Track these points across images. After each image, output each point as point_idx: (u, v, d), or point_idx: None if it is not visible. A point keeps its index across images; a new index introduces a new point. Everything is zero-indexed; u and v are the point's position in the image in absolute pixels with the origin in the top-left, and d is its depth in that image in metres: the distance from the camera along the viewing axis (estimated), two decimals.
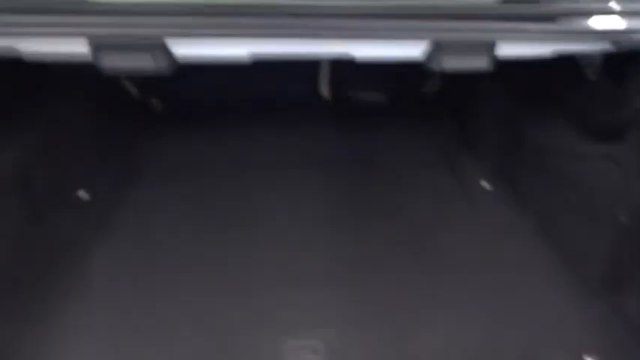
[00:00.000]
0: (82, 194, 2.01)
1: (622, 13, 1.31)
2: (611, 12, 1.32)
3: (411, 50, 1.32)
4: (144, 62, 1.26)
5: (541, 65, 1.58)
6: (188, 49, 1.28)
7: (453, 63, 1.32)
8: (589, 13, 1.32)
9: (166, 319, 1.51)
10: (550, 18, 1.33)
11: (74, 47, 1.23)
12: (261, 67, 2.37)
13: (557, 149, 1.78)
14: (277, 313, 1.53)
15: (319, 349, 1.42)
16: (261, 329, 1.48)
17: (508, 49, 1.33)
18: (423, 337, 1.48)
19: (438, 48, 1.30)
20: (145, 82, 2.43)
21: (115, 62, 1.25)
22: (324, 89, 2.57)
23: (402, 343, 1.45)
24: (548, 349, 1.46)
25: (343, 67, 2.41)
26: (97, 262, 1.71)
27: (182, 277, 1.66)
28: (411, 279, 1.68)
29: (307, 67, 2.50)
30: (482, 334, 1.49)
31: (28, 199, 1.69)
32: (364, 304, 1.58)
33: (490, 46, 1.32)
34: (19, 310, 1.48)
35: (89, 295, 1.58)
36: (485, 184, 2.15)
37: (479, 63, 1.33)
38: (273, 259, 1.75)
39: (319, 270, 1.70)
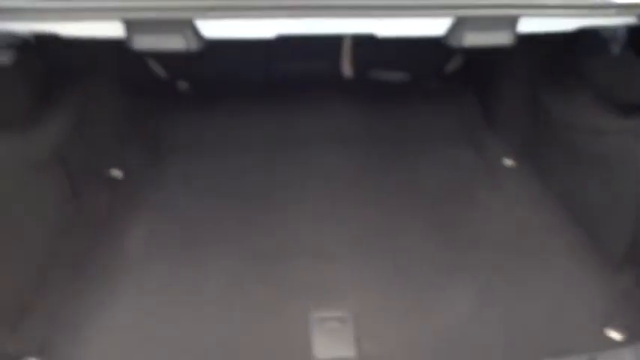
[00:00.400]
0: (115, 172, 2.10)
1: None
2: None
3: (433, 27, 1.34)
4: (174, 43, 1.31)
5: (565, 39, 1.57)
6: (216, 29, 1.33)
7: (475, 39, 1.33)
8: None
9: (195, 286, 1.59)
10: None
11: (110, 30, 1.29)
12: (284, 47, 2.40)
13: (581, 124, 1.78)
14: (303, 284, 1.59)
15: (346, 320, 1.48)
16: (288, 300, 1.54)
17: (530, 25, 1.34)
18: (447, 309, 1.52)
19: (460, 24, 1.31)
20: (172, 63, 2.49)
21: (146, 43, 1.31)
22: (346, 68, 2.59)
23: (427, 315, 1.50)
24: (571, 321, 1.49)
25: (365, 45, 2.43)
26: (131, 235, 1.79)
27: (210, 248, 1.74)
28: (435, 252, 1.72)
29: (330, 46, 2.51)
30: (505, 307, 1.53)
31: (65, 176, 1.78)
32: (388, 276, 1.63)
33: (512, 22, 1.33)
34: (59, 279, 1.58)
35: (123, 265, 1.67)
36: (507, 160, 2.16)
37: (501, 38, 1.34)
38: (298, 231, 1.81)
39: (343, 243, 1.75)
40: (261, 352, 1.39)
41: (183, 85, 2.62)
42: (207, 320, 1.49)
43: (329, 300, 1.53)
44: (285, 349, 1.40)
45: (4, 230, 1.43)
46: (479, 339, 1.43)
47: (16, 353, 1.35)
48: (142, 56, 2.42)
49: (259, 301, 1.54)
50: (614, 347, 1.38)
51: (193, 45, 1.32)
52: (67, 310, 1.50)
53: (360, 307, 1.51)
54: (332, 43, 2.49)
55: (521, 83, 2.17)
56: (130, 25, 1.29)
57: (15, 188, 1.49)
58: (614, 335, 1.44)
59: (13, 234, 1.47)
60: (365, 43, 2.36)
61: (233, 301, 1.55)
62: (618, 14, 1.35)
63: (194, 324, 1.48)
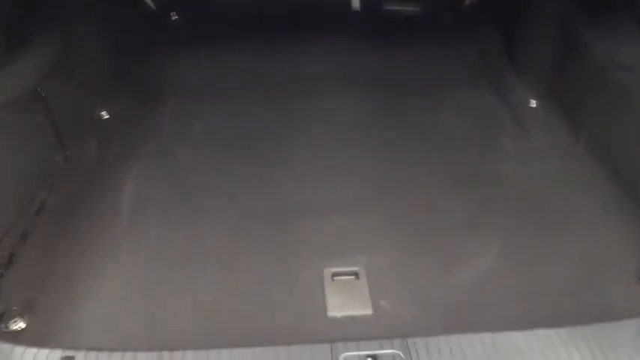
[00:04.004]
0: (104, 117, 1.92)
1: None
2: None
3: None
4: None
5: None
6: None
7: None
8: None
9: (194, 244, 1.46)
10: None
11: None
12: None
13: (626, 63, 1.59)
14: (313, 241, 1.46)
15: (359, 275, 1.36)
16: (296, 258, 1.41)
17: None
18: (466, 266, 1.40)
19: None
20: None
21: None
22: (355, 0, 2.36)
23: (441, 273, 1.38)
24: (602, 281, 1.35)
25: None
26: (123, 187, 1.65)
27: (211, 202, 1.59)
28: (454, 206, 1.58)
29: None
30: (528, 265, 1.40)
31: (48, 121, 1.60)
32: (404, 231, 1.50)
33: None
34: (45, 234, 1.43)
35: (115, 220, 1.53)
36: (534, 104, 1.99)
37: None
38: (306, 185, 1.66)
39: (356, 197, 1.62)
40: (270, 313, 1.27)
41: (176, 18, 2.40)
42: (209, 280, 1.35)
43: (341, 258, 1.40)
44: (296, 309, 1.28)
45: None
46: (500, 298, 1.31)
47: None
48: None
49: (265, 260, 1.41)
50: None
51: None
52: (55, 268, 1.36)
53: (376, 263, 1.39)
54: None
55: (551, 16, 1.95)
56: None
57: None
58: None
59: None
60: None
61: (237, 259, 1.42)
62: None
63: (194, 284, 1.34)
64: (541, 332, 0.99)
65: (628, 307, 1.26)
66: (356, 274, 1.36)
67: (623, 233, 1.47)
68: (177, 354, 0.95)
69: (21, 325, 1.21)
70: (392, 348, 0.96)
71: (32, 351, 0.92)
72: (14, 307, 1.24)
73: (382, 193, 1.63)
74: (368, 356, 0.95)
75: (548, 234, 1.48)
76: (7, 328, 1.20)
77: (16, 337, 1.15)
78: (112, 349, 0.95)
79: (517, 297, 1.31)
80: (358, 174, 1.70)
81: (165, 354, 0.93)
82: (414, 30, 2.36)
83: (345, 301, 1.30)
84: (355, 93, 2.09)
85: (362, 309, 1.27)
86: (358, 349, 0.96)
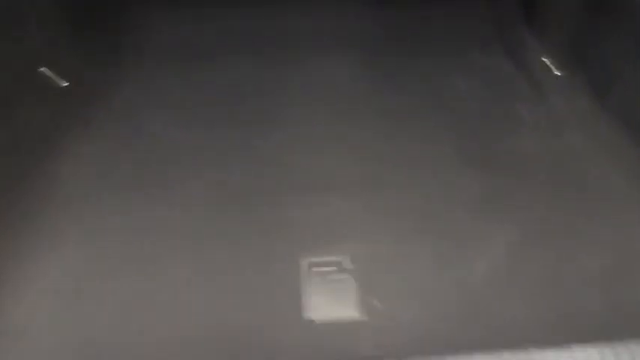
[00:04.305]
0: (57, 78, 1.67)
1: None
2: None
3: None
4: None
5: None
6: None
7: None
8: None
9: (156, 229, 1.24)
10: None
11: None
12: None
13: None
14: (295, 224, 1.25)
15: (346, 268, 1.15)
16: (277, 242, 1.21)
17: None
18: (474, 257, 1.19)
19: None
20: None
21: None
22: None
23: (448, 265, 1.17)
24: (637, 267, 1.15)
25: None
26: (78, 160, 1.42)
27: (183, 178, 1.38)
28: (463, 186, 1.37)
29: None
30: (552, 258, 1.18)
31: None
32: (403, 215, 1.29)
33: None
34: None
35: (66, 201, 1.30)
36: (554, 68, 1.76)
37: None
38: (292, 158, 1.45)
39: (348, 173, 1.41)
40: (238, 317, 1.06)
41: None
42: (169, 277, 1.14)
43: (326, 244, 1.20)
44: (268, 307, 1.07)
45: None
46: (517, 296, 1.12)
47: None
48: None
49: (236, 247, 1.20)
50: None
51: None
52: None
53: (367, 253, 1.18)
54: None
55: None
56: None
57: None
58: None
59: None
60: None
61: (206, 249, 1.21)
62: None
63: (152, 281, 1.14)
64: (577, 350, 0.76)
65: None
66: (340, 266, 1.15)
67: None
68: None
69: None
70: None
71: None
72: None
73: (379, 169, 1.41)
74: None
75: (572, 224, 1.27)
76: None
77: None
78: None
79: (536, 295, 1.10)
80: (351, 147, 1.49)
81: None
82: None
83: (327, 300, 1.08)
84: (350, 54, 1.88)
85: (347, 311, 1.06)
86: None
